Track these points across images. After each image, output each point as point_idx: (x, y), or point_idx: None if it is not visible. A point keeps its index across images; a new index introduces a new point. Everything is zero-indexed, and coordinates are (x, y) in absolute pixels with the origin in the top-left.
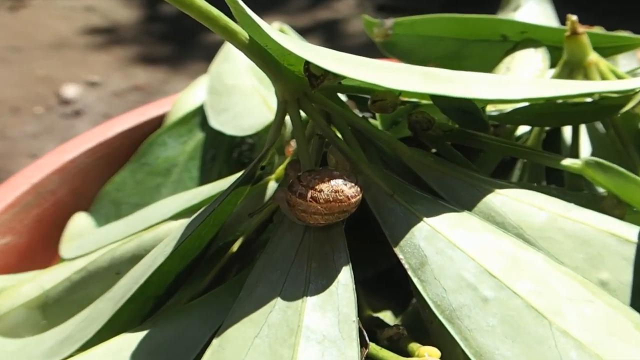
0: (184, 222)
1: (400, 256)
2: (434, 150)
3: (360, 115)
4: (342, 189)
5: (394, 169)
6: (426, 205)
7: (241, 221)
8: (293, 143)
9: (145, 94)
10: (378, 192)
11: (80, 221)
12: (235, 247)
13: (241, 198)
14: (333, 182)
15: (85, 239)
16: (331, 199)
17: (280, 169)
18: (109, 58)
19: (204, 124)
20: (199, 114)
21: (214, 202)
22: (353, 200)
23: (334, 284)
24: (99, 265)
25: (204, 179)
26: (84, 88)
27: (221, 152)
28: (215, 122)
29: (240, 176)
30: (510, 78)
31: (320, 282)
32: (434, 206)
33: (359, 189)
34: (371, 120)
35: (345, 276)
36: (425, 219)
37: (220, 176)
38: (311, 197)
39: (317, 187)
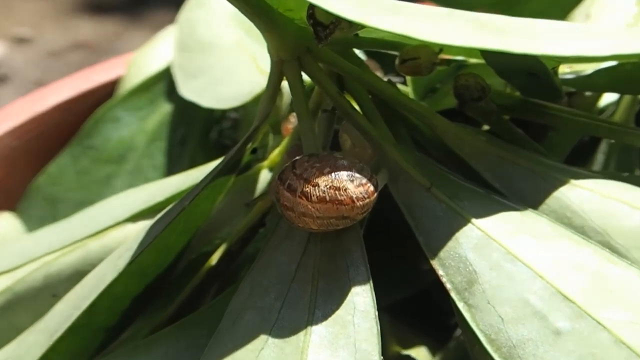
0: (143, 227)
1: (440, 272)
2: (486, 128)
3: (385, 79)
4: (345, 185)
5: (431, 152)
6: (476, 201)
7: (222, 225)
8: (293, 118)
9: (91, 53)
10: (409, 184)
11: (4, 225)
12: (213, 260)
13: (222, 193)
14: (335, 174)
15: (10, 249)
16: (327, 197)
17: (275, 154)
18: (43, 5)
19: (170, 92)
20: (164, 79)
21: (185, 199)
22: (358, 203)
23: (349, 310)
24: (29, 284)
25: (171, 168)
26: (8, 45)
27: (194, 131)
28: (186, 90)
29: (221, 163)
30: (591, 27)
31: (329, 307)
32: (487, 203)
33: (370, 189)
34: (400, 87)
35: (365, 300)
36: (474, 220)
37: (194, 163)
38: (302, 193)
39: (312, 178)
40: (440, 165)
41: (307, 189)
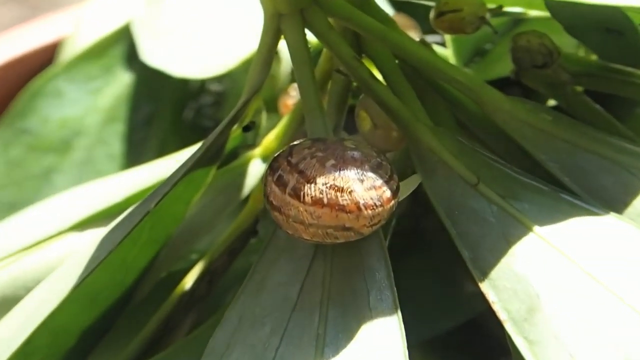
0: (94, 237)
1: (491, 296)
2: (552, 103)
3: (417, 39)
4: (351, 186)
5: (478, 136)
6: (539, 202)
7: (200, 233)
8: (293, 91)
9: (25, 7)
10: (450, 180)
11: None
12: (189, 281)
13: (200, 191)
14: (340, 170)
15: None
16: (325, 199)
17: (270, 139)
18: None
19: (131, 57)
20: (123, 40)
21: (150, 199)
22: (366, 212)
23: (369, 348)
24: None
25: (132, 158)
26: None
27: (163, 109)
28: (152, 55)
29: (198, 151)
30: None
31: (343, 344)
32: (554, 205)
33: (385, 195)
34: (437, 49)
35: (392, 335)
36: (537, 228)
37: (163, 151)
38: (293, 189)
39: (310, 172)
40: (490, 153)
41: (301, 185)
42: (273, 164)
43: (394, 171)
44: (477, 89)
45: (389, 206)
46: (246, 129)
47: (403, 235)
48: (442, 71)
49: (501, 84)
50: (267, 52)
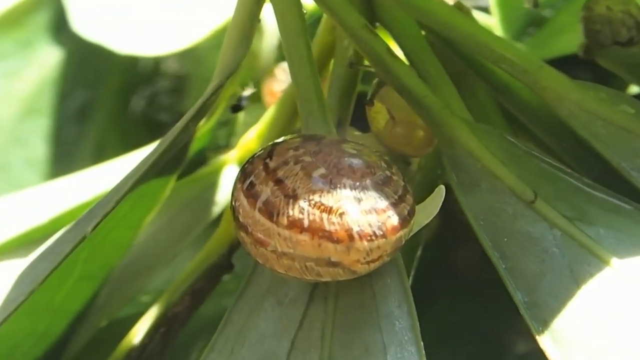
0: (9, 272)
1: (554, 354)
2: (635, 91)
3: (452, 2)
4: (342, 207)
5: (535, 135)
6: (618, 227)
7: (154, 267)
8: (282, 73)
9: None
10: (496, 195)
11: None
12: (137, 332)
13: (153, 210)
14: (331, 182)
15: None
16: (306, 222)
17: (251, 138)
18: None
19: (58, 28)
20: (47, 5)
21: (85, 221)
22: (361, 244)
23: None
24: None
25: (59, 163)
26: None
27: (103, 98)
28: (86, 24)
29: (152, 154)
30: None
31: None
32: (639, 230)
33: (390, 222)
34: (478, 16)
35: None
36: (615, 262)
37: (101, 155)
38: (265, 204)
39: (291, 182)
40: (551, 159)
41: (277, 199)
42: (246, 167)
43: (407, 190)
44: (534, 71)
45: (394, 238)
46: (235, 108)
47: (430, 269)
48: (486, 46)
49: (566, 65)
50: (247, 20)
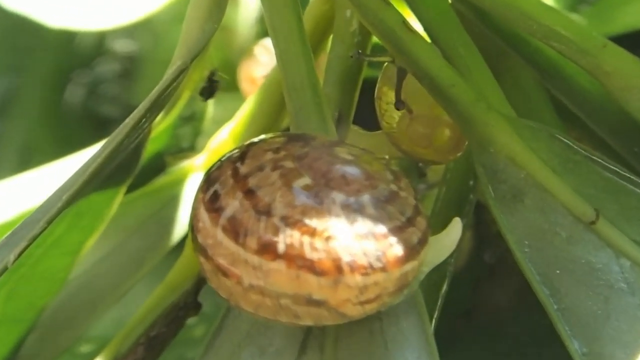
0: None
1: None
2: None
3: None
4: (330, 229)
5: (596, 133)
6: None
7: (97, 307)
8: (264, 53)
9: None
10: (546, 213)
11: None
12: None
13: (96, 232)
14: (317, 200)
15: None
16: (282, 246)
17: (223, 138)
18: None
19: None
20: None
21: (6, 247)
22: (353, 279)
23: None
24: None
25: None
26: None
27: (29, 86)
28: None
29: (94, 159)
30: None
31: None
32: None
33: (393, 253)
34: None
35: None
36: None
37: (27, 159)
38: (230, 221)
39: (264, 193)
40: (617, 166)
41: (245, 215)
42: (211, 173)
43: (419, 211)
44: (594, 51)
45: (397, 272)
46: (205, 92)
47: (458, 310)
48: (532, 18)
49: (635, 43)
50: None
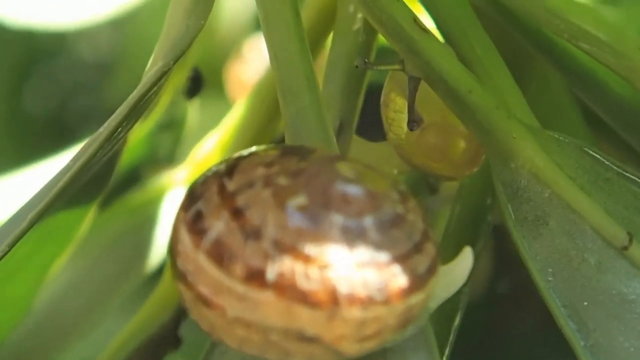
0: None
1: None
2: None
3: None
4: (326, 256)
5: (631, 147)
6: None
7: (64, 341)
8: (254, 52)
9: None
10: (574, 237)
11: None
12: None
13: (64, 253)
14: (312, 222)
15: None
16: (272, 274)
17: (208, 149)
18: None
19: None
20: None
21: None
22: (350, 313)
23: None
24: None
25: None
26: None
27: None
28: None
29: (62, 174)
30: None
31: None
32: None
33: (399, 283)
34: None
35: None
36: None
37: None
38: (214, 244)
39: (253, 213)
40: None
41: (232, 237)
42: (194, 188)
43: (428, 237)
44: (631, 53)
45: (401, 306)
46: (190, 91)
47: (473, 345)
48: (560, 15)
49: None
50: None
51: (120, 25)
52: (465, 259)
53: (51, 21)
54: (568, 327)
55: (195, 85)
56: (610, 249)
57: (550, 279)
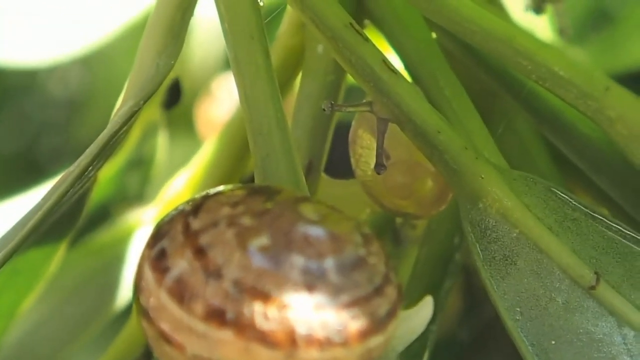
0: None
1: None
2: None
3: None
4: (285, 298)
5: (597, 187)
6: None
7: None
8: (223, 90)
9: None
10: (542, 278)
11: None
12: None
13: (32, 292)
14: (273, 263)
15: None
16: (231, 313)
17: (178, 188)
18: None
19: None
20: None
21: None
22: (307, 353)
23: None
24: None
25: None
26: None
27: None
28: None
29: (35, 210)
30: None
31: None
32: None
33: (357, 326)
34: (513, 13)
35: None
36: None
37: None
38: (176, 282)
39: (216, 253)
40: (621, 225)
41: (193, 277)
42: (160, 226)
43: (389, 280)
44: (597, 94)
45: (359, 348)
46: (168, 102)
47: None
48: (527, 57)
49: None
50: (175, 12)
51: (89, 63)
52: (426, 308)
53: (21, 57)
54: None
55: (173, 96)
56: (578, 288)
57: (518, 317)
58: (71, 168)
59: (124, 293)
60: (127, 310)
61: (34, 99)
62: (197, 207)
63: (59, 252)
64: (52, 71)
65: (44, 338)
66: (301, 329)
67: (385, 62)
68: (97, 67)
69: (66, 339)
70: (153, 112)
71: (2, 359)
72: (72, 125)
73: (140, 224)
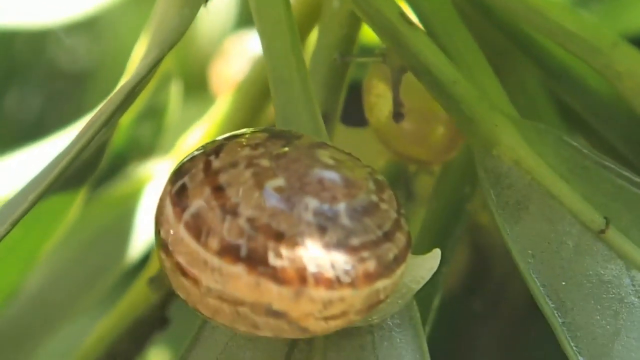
0: None
1: None
2: None
3: None
4: (297, 236)
5: (606, 138)
6: None
7: (49, 325)
8: (238, 47)
9: None
10: (553, 222)
11: None
12: None
13: (52, 238)
14: (288, 204)
15: None
16: (244, 250)
17: (194, 140)
18: None
19: None
20: None
21: None
22: (317, 293)
23: None
24: None
25: None
26: None
27: None
28: None
29: (63, 154)
30: None
31: None
32: None
33: (368, 267)
34: None
35: None
36: None
37: None
38: (194, 217)
39: (233, 192)
40: (629, 172)
41: (211, 212)
42: (182, 165)
43: (399, 226)
44: (605, 50)
45: (366, 290)
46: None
47: (451, 326)
48: (538, 13)
49: None
50: None
51: (96, 27)
52: (433, 258)
53: (31, 18)
54: (547, 306)
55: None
56: (588, 232)
57: (530, 260)
58: (97, 114)
59: (136, 244)
60: (140, 263)
61: (43, 65)
62: (219, 147)
63: (78, 200)
64: (64, 32)
65: (61, 286)
66: (311, 268)
67: (402, 14)
68: (104, 32)
69: (84, 287)
70: (166, 62)
71: (23, 303)
72: (85, 88)
73: (154, 176)
